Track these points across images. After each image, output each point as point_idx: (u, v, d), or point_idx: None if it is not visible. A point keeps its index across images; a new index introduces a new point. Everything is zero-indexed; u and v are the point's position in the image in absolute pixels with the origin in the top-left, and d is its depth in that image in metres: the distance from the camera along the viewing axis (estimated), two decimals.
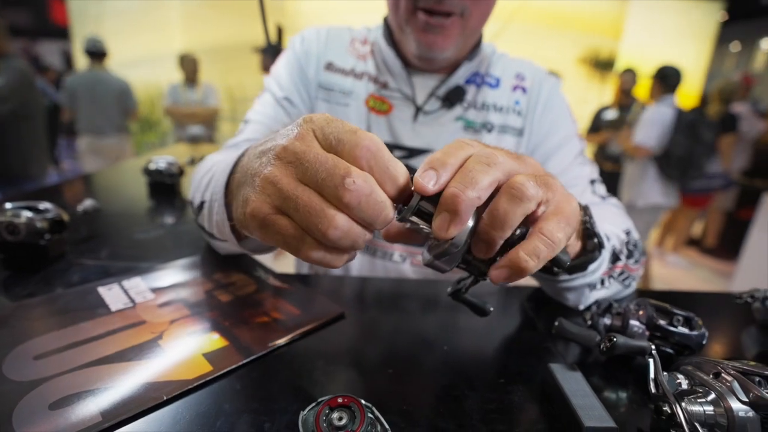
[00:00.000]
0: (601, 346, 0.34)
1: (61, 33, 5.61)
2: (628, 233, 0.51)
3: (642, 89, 3.41)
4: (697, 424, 0.27)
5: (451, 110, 0.64)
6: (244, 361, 0.36)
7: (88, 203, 0.68)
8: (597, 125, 3.36)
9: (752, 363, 0.31)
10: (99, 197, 0.86)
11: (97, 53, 2.97)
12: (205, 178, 0.47)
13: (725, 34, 5.57)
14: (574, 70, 4.75)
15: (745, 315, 0.50)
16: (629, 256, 0.49)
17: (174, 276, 0.51)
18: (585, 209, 0.39)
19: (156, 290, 0.47)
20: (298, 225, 0.26)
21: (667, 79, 2.58)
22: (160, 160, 0.95)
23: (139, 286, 0.48)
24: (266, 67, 3.14)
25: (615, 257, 0.46)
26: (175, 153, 1.59)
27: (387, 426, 0.28)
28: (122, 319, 0.41)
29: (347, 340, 0.42)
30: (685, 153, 2.48)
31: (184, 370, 0.34)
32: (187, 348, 0.37)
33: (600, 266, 0.44)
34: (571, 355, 0.40)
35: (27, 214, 0.55)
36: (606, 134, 3.23)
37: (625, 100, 3.37)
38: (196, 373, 0.33)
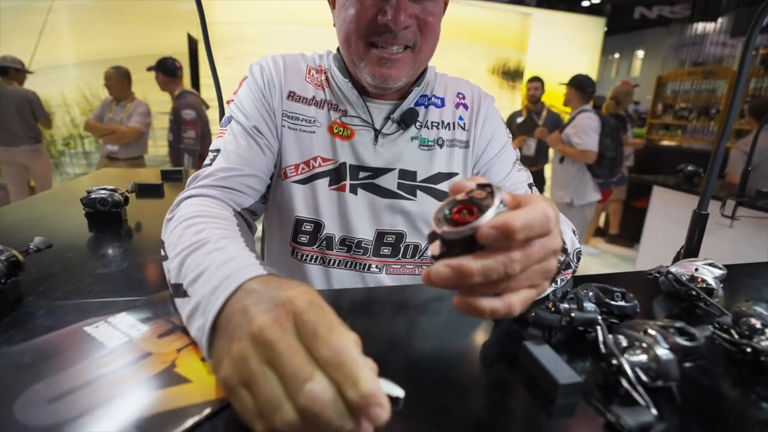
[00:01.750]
0: (562, 322, 0.42)
1: None
2: (574, 233, 0.61)
3: (549, 96, 3.82)
4: (637, 369, 0.36)
5: (406, 131, 0.72)
6: None
7: (38, 240, 0.64)
8: (510, 130, 3.69)
9: (666, 320, 0.41)
10: (34, 232, 0.81)
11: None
12: (192, 263, 0.44)
13: (608, 45, 6.39)
14: (487, 80, 5.18)
15: (654, 287, 0.63)
16: (576, 262, 0.59)
17: (161, 307, 0.51)
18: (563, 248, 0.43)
19: (147, 322, 0.48)
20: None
21: (585, 87, 2.89)
22: (100, 190, 0.91)
23: (126, 320, 0.48)
24: (162, 84, 2.98)
25: (567, 266, 0.55)
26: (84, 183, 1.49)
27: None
28: (125, 354, 0.42)
29: None
30: (613, 155, 2.82)
31: (213, 390, 0.36)
32: (205, 372, 0.39)
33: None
34: (534, 335, 0.49)
35: None
36: (522, 138, 3.56)
37: (534, 107, 3.74)
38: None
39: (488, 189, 0.31)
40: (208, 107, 3.36)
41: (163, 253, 0.53)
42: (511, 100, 5.27)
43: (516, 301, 0.32)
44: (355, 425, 0.26)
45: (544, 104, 3.75)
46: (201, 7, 0.97)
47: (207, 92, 4.37)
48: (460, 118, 0.75)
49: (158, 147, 4.47)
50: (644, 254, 2.87)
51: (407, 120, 0.71)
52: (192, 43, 4.36)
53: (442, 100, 0.76)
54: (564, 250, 0.46)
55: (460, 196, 0.31)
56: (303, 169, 0.70)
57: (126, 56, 4.23)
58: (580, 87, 2.91)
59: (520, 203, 0.32)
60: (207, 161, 0.67)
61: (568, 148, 2.86)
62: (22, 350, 0.42)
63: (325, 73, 0.73)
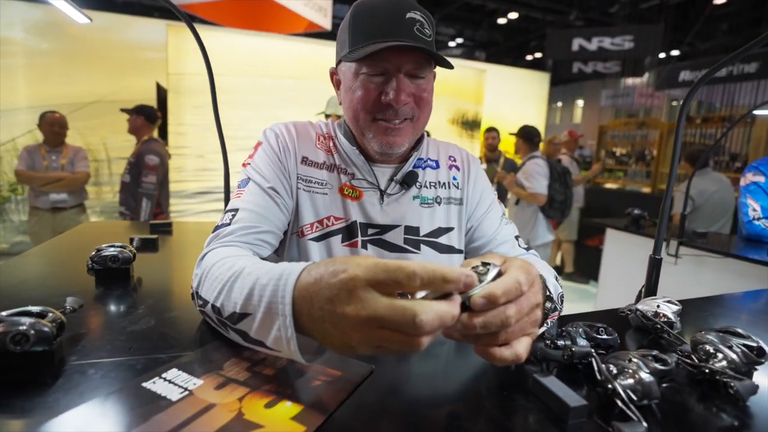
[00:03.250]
0: (564, 356, 0.52)
1: None
2: (557, 278, 0.72)
3: (505, 144, 4.15)
4: (628, 391, 0.45)
5: (408, 191, 0.82)
6: (326, 419, 0.45)
7: (71, 300, 0.67)
8: None
9: (643, 350, 0.52)
10: (47, 291, 0.82)
11: None
12: (238, 288, 0.52)
13: (551, 95, 7.04)
14: (448, 129, 5.54)
15: (625, 322, 0.75)
16: (561, 304, 0.69)
17: (207, 361, 0.56)
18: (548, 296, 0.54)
19: (200, 376, 0.52)
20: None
21: (532, 137, 3.19)
22: (109, 247, 0.94)
23: (180, 375, 0.52)
24: (137, 128, 3.03)
25: (554, 309, 0.65)
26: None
27: None
28: (191, 406, 0.46)
29: (383, 393, 0.53)
30: (563, 197, 3.07)
31: (285, 431, 0.42)
32: (273, 417, 0.44)
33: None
34: (539, 368, 0.58)
35: (28, 319, 0.55)
36: None
37: (492, 154, 4.04)
38: None
39: (488, 266, 0.41)
40: (170, 156, 3.40)
41: (200, 302, 0.59)
42: (471, 149, 5.62)
43: (521, 348, 0.42)
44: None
45: (501, 152, 4.05)
46: (211, 75, 1.06)
47: (175, 140, 4.37)
48: (454, 178, 0.87)
49: (116, 193, 4.38)
50: (603, 291, 3.08)
51: (409, 181, 0.81)
52: (161, 92, 4.40)
53: (437, 162, 0.87)
54: (549, 297, 0.56)
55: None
56: (317, 227, 0.78)
57: (87, 101, 4.20)
58: (527, 137, 3.24)
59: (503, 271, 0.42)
60: (225, 220, 0.72)
61: (521, 191, 3.12)
62: (90, 409, 0.45)
63: (331, 139, 0.83)
